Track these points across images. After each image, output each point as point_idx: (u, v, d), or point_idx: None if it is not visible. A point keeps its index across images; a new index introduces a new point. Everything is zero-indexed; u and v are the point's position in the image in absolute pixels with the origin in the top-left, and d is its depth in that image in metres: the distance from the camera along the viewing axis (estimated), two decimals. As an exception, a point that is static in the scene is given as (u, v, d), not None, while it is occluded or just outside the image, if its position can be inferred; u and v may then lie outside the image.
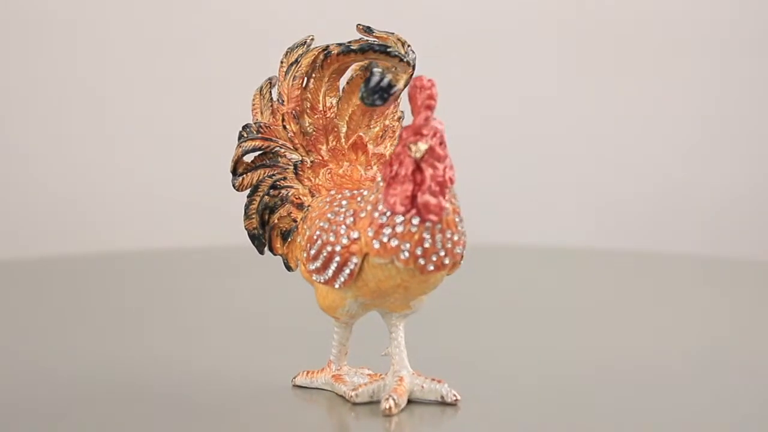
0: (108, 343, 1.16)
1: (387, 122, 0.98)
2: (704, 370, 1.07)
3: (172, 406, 0.94)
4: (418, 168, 0.86)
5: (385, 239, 0.87)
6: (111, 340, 1.18)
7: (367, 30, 0.94)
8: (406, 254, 0.86)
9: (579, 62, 2.07)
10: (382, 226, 0.87)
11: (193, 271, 1.62)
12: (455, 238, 0.87)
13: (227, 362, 1.07)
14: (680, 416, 0.93)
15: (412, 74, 0.93)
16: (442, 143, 0.86)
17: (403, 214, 0.86)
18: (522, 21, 2.06)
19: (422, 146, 0.86)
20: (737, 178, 2.09)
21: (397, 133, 0.97)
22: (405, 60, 0.91)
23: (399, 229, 0.86)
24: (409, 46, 0.93)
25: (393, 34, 0.94)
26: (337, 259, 0.90)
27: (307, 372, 0.98)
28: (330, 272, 0.91)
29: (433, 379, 0.93)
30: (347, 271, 0.89)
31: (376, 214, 0.87)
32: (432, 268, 0.87)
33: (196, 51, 2.02)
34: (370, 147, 0.96)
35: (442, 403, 0.92)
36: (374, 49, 0.92)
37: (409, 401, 0.93)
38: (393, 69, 0.91)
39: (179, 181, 2.03)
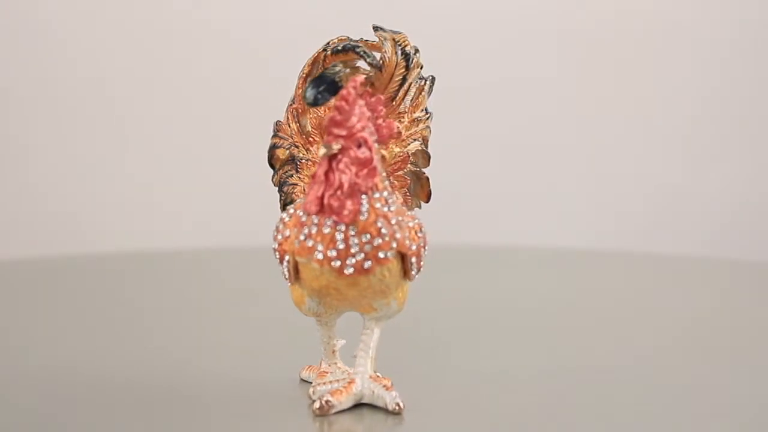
0: (108, 343, 1.16)
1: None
2: (704, 371, 1.07)
3: (172, 404, 0.94)
4: (331, 169, 0.87)
5: (302, 238, 0.88)
6: (111, 339, 1.18)
7: (376, 29, 0.95)
8: (320, 255, 0.87)
9: (580, 63, 2.07)
10: (303, 225, 0.88)
11: (194, 272, 1.62)
12: (376, 242, 0.87)
13: (228, 360, 1.07)
14: (680, 417, 0.93)
15: (405, 74, 0.94)
16: (362, 146, 0.87)
17: (315, 215, 0.87)
18: (523, 22, 2.06)
19: (327, 147, 0.86)
20: (738, 179, 2.09)
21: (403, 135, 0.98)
22: (368, 60, 0.92)
23: (314, 229, 0.87)
24: (403, 47, 0.94)
25: (397, 33, 0.95)
26: (277, 256, 0.91)
27: (309, 366, 1.00)
28: (281, 269, 0.92)
29: (384, 386, 0.92)
30: (285, 268, 0.90)
31: (300, 212, 0.89)
32: (351, 271, 0.87)
33: (197, 52, 2.02)
34: None
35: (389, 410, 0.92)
36: (350, 47, 0.94)
37: (365, 405, 0.93)
38: (348, 70, 0.92)
39: (180, 182, 2.03)
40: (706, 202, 2.09)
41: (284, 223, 0.90)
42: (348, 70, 0.92)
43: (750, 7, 2.08)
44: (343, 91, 0.87)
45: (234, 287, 1.48)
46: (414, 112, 0.98)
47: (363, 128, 0.87)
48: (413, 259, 0.90)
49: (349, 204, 0.86)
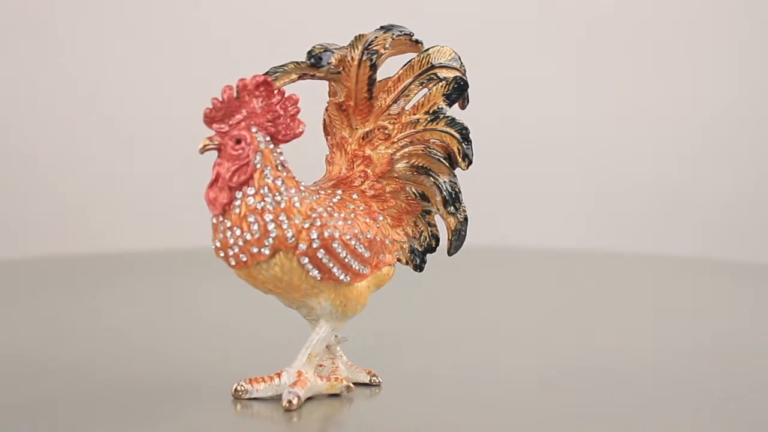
0: (108, 342, 1.16)
1: (381, 122, 0.97)
2: (704, 371, 1.07)
3: (171, 403, 0.94)
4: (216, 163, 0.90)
5: (211, 228, 0.91)
6: (111, 339, 1.18)
7: (382, 28, 0.96)
8: (212, 245, 0.91)
9: (580, 65, 2.07)
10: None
11: (193, 272, 1.63)
12: (247, 237, 0.89)
13: (228, 359, 1.07)
14: (679, 417, 0.93)
15: (371, 75, 0.94)
16: (240, 142, 0.89)
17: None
18: (523, 22, 2.06)
19: (203, 142, 0.89)
20: (738, 179, 2.09)
21: (396, 134, 0.97)
22: (305, 60, 0.94)
23: (210, 219, 0.91)
24: (370, 48, 0.94)
25: (388, 32, 0.95)
26: None
27: None
28: None
29: (293, 384, 0.93)
30: None
31: None
32: (233, 263, 0.90)
33: (196, 52, 2.02)
34: (351, 148, 0.97)
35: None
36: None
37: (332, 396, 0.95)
38: (289, 68, 0.93)
39: (180, 182, 2.03)
40: (706, 202, 2.09)
41: None
42: (288, 68, 0.94)
43: (749, 9, 2.08)
44: (225, 88, 0.89)
45: (233, 286, 1.48)
46: (415, 114, 0.97)
47: (247, 126, 0.89)
48: (304, 260, 0.89)
49: (221, 197, 0.89)
